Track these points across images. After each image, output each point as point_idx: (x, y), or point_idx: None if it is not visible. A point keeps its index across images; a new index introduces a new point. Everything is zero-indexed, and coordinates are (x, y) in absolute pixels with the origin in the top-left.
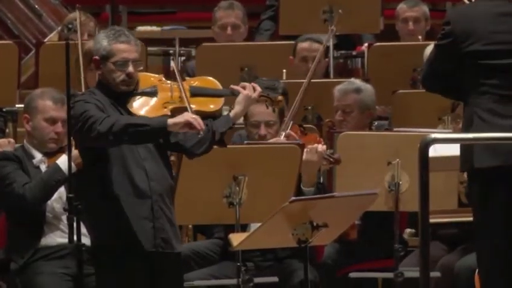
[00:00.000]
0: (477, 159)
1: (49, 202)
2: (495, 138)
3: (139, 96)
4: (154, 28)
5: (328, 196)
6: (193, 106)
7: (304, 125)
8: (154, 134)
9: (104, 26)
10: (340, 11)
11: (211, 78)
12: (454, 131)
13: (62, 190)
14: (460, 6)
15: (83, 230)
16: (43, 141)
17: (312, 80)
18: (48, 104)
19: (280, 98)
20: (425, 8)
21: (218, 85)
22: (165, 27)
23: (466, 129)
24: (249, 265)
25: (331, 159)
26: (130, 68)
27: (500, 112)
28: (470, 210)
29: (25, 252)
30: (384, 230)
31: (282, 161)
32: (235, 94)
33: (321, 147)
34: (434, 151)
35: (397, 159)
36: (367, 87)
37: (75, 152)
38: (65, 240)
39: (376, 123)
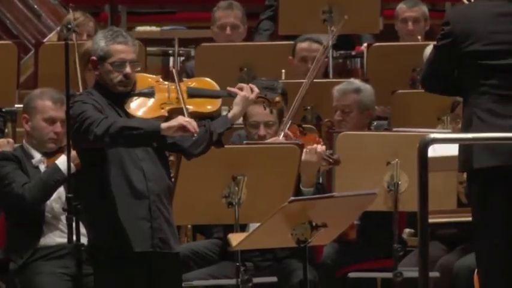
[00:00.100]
0: (476, 159)
1: (48, 202)
2: (494, 138)
3: (136, 97)
4: (154, 28)
5: (327, 196)
6: (190, 107)
7: (304, 125)
8: (147, 137)
9: (103, 26)
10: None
11: (208, 79)
12: (454, 131)
13: (61, 190)
14: (459, 7)
15: (82, 230)
16: (42, 141)
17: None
18: (48, 104)
19: (277, 99)
20: (424, 8)
21: (215, 86)
22: (165, 27)
23: (465, 130)
24: (248, 265)
25: (331, 160)
26: (128, 69)
27: (499, 112)
28: (470, 211)
29: (24, 252)
30: (383, 230)
31: (281, 161)
32: (232, 95)
33: (321, 147)
34: (434, 151)
35: (396, 159)
36: (367, 88)
37: (74, 152)
38: (64, 240)
39: (375, 123)
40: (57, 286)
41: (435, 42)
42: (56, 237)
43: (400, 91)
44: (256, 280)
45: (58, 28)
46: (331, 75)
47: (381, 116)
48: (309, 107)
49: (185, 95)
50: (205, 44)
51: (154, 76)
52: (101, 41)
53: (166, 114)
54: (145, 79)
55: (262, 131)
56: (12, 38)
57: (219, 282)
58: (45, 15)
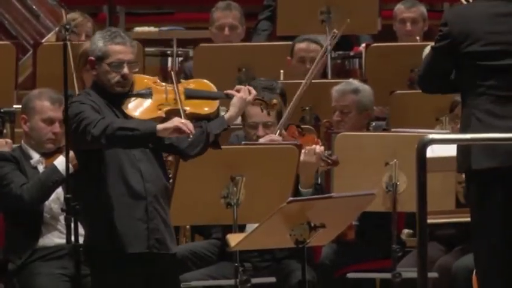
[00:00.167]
0: (475, 160)
1: (47, 203)
2: (492, 139)
3: (134, 98)
4: (152, 29)
5: (325, 197)
6: (187, 108)
7: (302, 126)
8: (143, 139)
9: (101, 26)
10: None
11: (206, 81)
12: (453, 131)
13: (59, 191)
14: (457, 7)
15: (81, 230)
16: (41, 142)
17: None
18: (46, 104)
19: (275, 101)
20: (423, 9)
21: (213, 88)
22: (163, 28)
23: (463, 131)
24: (247, 265)
25: (329, 161)
26: (125, 70)
27: (497, 113)
28: (468, 211)
29: (23, 252)
30: (381, 231)
31: (280, 161)
32: (230, 97)
33: (319, 148)
34: (432, 152)
35: (395, 160)
36: (365, 88)
37: (71, 153)
38: (63, 240)
39: (373, 123)
40: (55, 287)
41: (433, 44)
42: (54, 238)
43: (398, 92)
44: (254, 281)
45: (56, 29)
46: (329, 76)
47: (379, 116)
48: (307, 108)
49: (183, 96)
50: (203, 45)
51: (151, 77)
52: (99, 41)
53: (163, 115)
54: (143, 80)
55: (261, 131)
56: (11, 38)
57: (218, 283)
58: (44, 16)
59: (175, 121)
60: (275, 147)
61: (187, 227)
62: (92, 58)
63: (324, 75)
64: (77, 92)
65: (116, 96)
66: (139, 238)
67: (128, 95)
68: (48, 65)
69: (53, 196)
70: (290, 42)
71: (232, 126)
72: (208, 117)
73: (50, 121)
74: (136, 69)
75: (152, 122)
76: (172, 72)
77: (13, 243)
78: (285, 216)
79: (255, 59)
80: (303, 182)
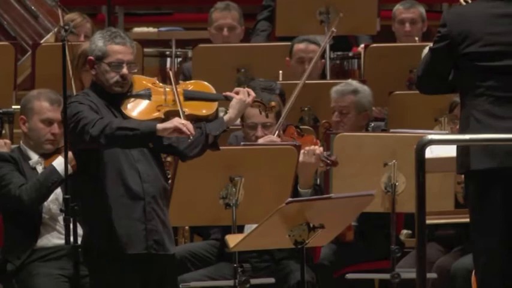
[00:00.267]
0: (474, 161)
1: (45, 203)
2: (491, 139)
3: (133, 99)
4: (151, 29)
5: (324, 197)
6: (186, 109)
7: (301, 127)
8: (143, 138)
9: (100, 27)
10: (341, 14)
11: (205, 82)
12: (452, 132)
13: (58, 191)
14: (456, 8)
15: (80, 231)
16: (39, 143)
17: (308, 82)
18: (45, 105)
19: (273, 103)
20: (421, 9)
21: (212, 89)
22: (162, 29)
23: (462, 132)
24: (246, 266)
25: (328, 161)
26: (125, 70)
27: (496, 114)
28: (467, 212)
29: (21, 253)
30: (380, 231)
31: (279, 162)
32: (229, 99)
33: (319, 149)
34: (431, 152)
35: (394, 161)
36: (365, 89)
37: (70, 153)
38: (62, 241)
39: (372, 124)
40: (54, 287)
41: (431, 45)
42: (53, 239)
43: (397, 92)
44: (253, 281)
45: (55, 29)
46: (328, 77)
47: (378, 117)
48: (306, 108)
49: (182, 98)
50: (202, 45)
51: (150, 78)
52: (99, 41)
53: (162, 116)
54: (142, 81)
55: (260, 132)
56: (10, 39)
57: (217, 284)
58: (43, 17)
59: (175, 121)
60: (274, 148)
61: (186, 227)
62: (92, 57)
63: (322, 76)
64: (74, 93)
65: (115, 97)
66: (137, 239)
67: (126, 95)
68: (47, 65)
69: (51, 197)
70: (289, 43)
71: (231, 127)
72: (207, 119)
73: (48, 122)
74: (135, 70)
75: (152, 122)
76: (170, 72)
77: (12, 244)
78: (284, 217)
79: (254, 59)
80: (302, 183)
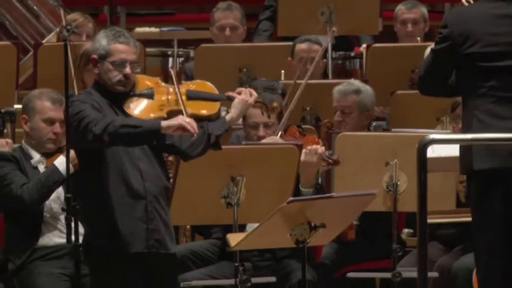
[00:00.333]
0: (476, 161)
1: (47, 202)
2: (493, 139)
3: (136, 98)
4: (153, 29)
5: (326, 196)
6: (189, 109)
7: (303, 126)
8: (147, 135)
9: (102, 27)
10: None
11: (208, 82)
12: (454, 132)
13: (60, 190)
14: (457, 9)
15: (81, 230)
16: (41, 142)
17: (310, 81)
18: (47, 104)
19: (275, 104)
20: (423, 10)
21: (215, 90)
22: (164, 29)
23: (465, 132)
24: (247, 265)
25: (330, 161)
26: (128, 69)
27: (498, 114)
28: (468, 211)
29: (23, 252)
30: (381, 231)
31: (280, 161)
32: (231, 99)
33: (321, 148)
34: (433, 152)
35: (395, 160)
36: (367, 89)
37: (72, 152)
38: (63, 240)
39: (374, 123)
40: (55, 286)
41: (433, 46)
42: (54, 238)
43: (399, 92)
44: (255, 280)
45: (57, 29)
46: (330, 76)
47: (380, 116)
48: (308, 108)
49: (184, 97)
50: (204, 45)
51: (153, 78)
52: (102, 40)
53: (165, 115)
54: (145, 81)
55: (261, 131)
56: (11, 38)
57: (218, 283)
58: (44, 16)
59: (180, 119)
60: (276, 147)
61: (188, 226)
62: (95, 56)
63: (324, 75)
64: (76, 93)
65: (118, 96)
66: (138, 238)
67: (129, 95)
68: (48, 65)
69: (53, 195)
70: (291, 43)
71: (233, 127)
72: (209, 119)
73: (50, 121)
74: (138, 70)
75: (156, 120)
76: (172, 71)
77: (13, 243)
78: (286, 216)
79: (256, 59)
80: (304, 182)
